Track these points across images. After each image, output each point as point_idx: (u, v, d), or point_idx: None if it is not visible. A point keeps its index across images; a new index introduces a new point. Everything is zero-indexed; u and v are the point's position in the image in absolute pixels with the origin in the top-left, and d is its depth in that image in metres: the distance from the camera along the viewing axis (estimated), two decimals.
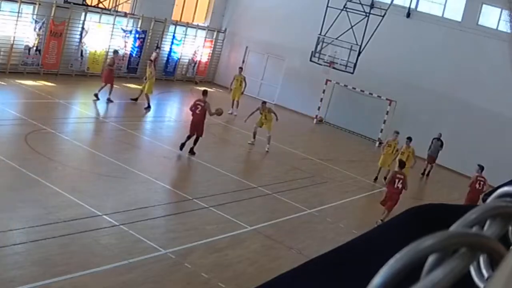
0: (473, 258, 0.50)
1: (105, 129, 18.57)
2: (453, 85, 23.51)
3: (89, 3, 23.38)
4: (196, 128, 16.73)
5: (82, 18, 23.47)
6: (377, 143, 24.75)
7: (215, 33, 30.10)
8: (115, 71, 22.19)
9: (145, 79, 21.73)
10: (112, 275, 9.32)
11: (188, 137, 16.71)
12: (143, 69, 25.75)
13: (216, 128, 20.25)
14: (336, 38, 23.40)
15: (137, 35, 25.89)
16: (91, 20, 23.79)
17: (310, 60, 24.27)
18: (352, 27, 23.27)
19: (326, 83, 26.37)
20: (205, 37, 29.51)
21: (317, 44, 24.19)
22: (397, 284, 0.47)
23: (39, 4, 21.71)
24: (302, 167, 18.66)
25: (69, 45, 23.36)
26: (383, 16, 22.77)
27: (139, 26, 25.89)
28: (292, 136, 22.45)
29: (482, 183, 16.91)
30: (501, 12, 22.20)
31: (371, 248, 0.75)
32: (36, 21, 21.81)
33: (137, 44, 25.99)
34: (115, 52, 22.43)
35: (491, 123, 22.59)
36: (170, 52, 27.71)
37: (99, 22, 24.14)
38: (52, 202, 11.35)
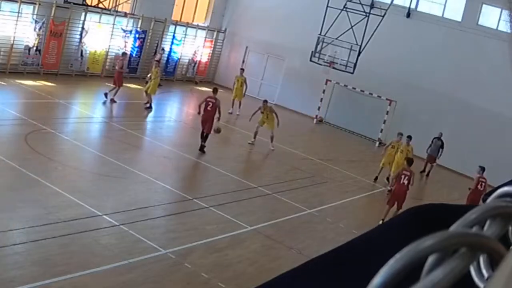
0: (473, 258, 0.50)
1: (105, 129, 18.57)
2: (453, 85, 23.51)
3: (89, 3, 23.38)
4: (205, 124, 17.23)
5: (82, 18, 23.47)
6: (377, 143, 24.76)
7: (215, 33, 30.09)
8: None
9: (149, 79, 21.62)
10: (112, 275, 9.33)
11: (202, 135, 17.25)
12: (143, 69, 25.78)
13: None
14: (336, 38, 23.39)
15: (137, 35, 25.89)
16: (91, 20, 23.79)
17: (310, 60, 24.27)
18: (352, 27, 23.27)
19: (326, 83, 26.37)
20: (205, 37, 29.51)
21: (317, 44, 24.19)
22: (397, 284, 0.47)
23: (39, 4, 21.70)
24: (302, 167, 18.67)
25: (69, 45, 23.36)
26: (383, 16, 22.77)
27: (139, 26, 25.88)
28: (292, 136, 22.45)
29: (483, 184, 16.92)
30: (501, 12, 22.20)
31: (371, 248, 0.75)
32: (36, 21, 21.80)
33: (137, 44, 25.98)
34: (123, 54, 22.45)
35: (491, 123, 22.60)
36: (170, 52, 27.71)
37: (99, 22, 24.14)
38: (52, 202, 11.36)
